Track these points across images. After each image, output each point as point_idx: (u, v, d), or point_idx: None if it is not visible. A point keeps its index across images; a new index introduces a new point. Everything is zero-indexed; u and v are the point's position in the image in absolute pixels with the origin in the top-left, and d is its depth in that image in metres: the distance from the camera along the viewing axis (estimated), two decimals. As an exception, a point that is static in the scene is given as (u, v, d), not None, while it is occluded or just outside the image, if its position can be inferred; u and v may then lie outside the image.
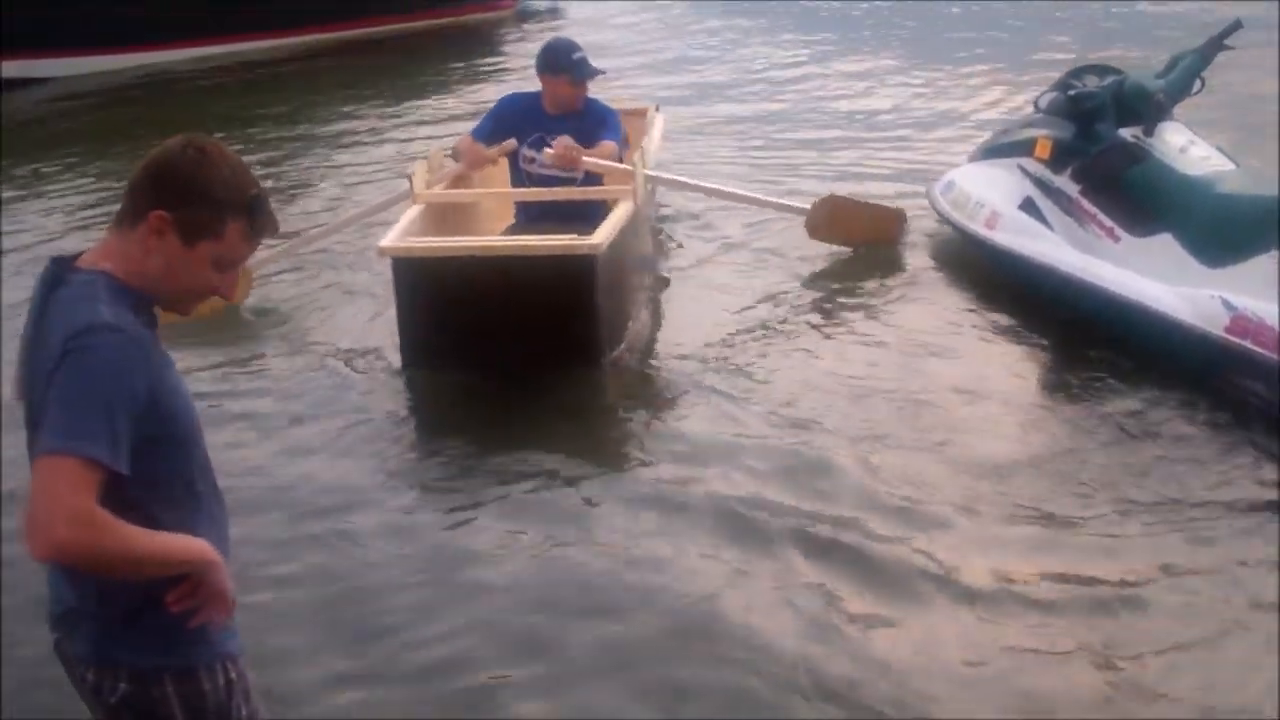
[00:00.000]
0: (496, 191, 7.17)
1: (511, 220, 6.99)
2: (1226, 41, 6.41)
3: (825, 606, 4.29)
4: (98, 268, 2.37)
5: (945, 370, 6.10)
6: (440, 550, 4.75)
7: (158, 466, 2.33)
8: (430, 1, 15.37)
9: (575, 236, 5.99)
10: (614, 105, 7.22)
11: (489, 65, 14.12)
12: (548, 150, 6.55)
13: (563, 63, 6.75)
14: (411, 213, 6.50)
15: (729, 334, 6.55)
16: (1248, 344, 5.42)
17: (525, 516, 4.94)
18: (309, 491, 5.18)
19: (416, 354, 6.09)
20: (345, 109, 12.18)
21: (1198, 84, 6.46)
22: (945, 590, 4.36)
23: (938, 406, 5.73)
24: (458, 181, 7.02)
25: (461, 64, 14.11)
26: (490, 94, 10.66)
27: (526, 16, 16.66)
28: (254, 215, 2.43)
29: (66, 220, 8.80)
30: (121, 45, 13.38)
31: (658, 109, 8.58)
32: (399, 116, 11.87)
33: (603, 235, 5.94)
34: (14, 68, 12.66)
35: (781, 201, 7.58)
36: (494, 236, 6.70)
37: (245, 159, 2.49)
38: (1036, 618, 4.20)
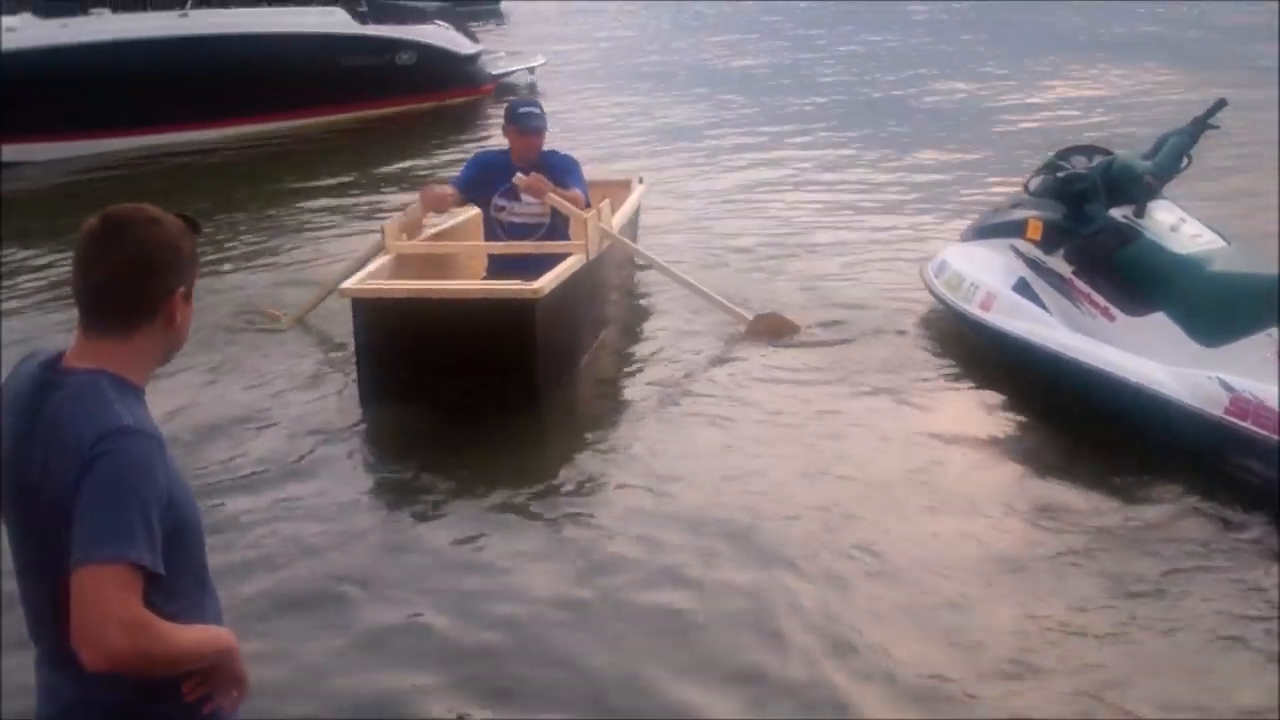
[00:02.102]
0: (462, 244, 7.60)
1: (484, 272, 7.38)
2: (1211, 121, 6.44)
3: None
4: (93, 368, 2.34)
5: (939, 447, 6.08)
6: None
7: (172, 560, 2.31)
8: (414, 87, 15.57)
9: (519, 283, 6.45)
10: (602, 176, 7.74)
11: (469, 140, 14.45)
12: (520, 176, 7.06)
13: (512, 116, 7.37)
14: (380, 260, 7.00)
15: (686, 390, 6.80)
16: (1248, 425, 5.41)
17: (451, 530, 5.40)
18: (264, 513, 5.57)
19: (373, 390, 6.52)
20: (330, 184, 12.39)
21: (1185, 161, 6.49)
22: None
23: (924, 484, 5.72)
24: (440, 234, 7.60)
25: (439, 139, 14.51)
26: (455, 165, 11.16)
27: (506, 95, 16.92)
28: (196, 233, 2.46)
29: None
30: (105, 130, 13.50)
31: (641, 180, 9.01)
32: (381, 188, 12.22)
33: (545, 283, 6.37)
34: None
35: (728, 305, 7.68)
36: (445, 281, 7.06)
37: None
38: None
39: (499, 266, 7.21)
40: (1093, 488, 5.56)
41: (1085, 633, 4.50)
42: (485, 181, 7.33)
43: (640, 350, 7.58)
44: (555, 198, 7.05)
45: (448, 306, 6.39)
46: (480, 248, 7.43)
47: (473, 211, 7.62)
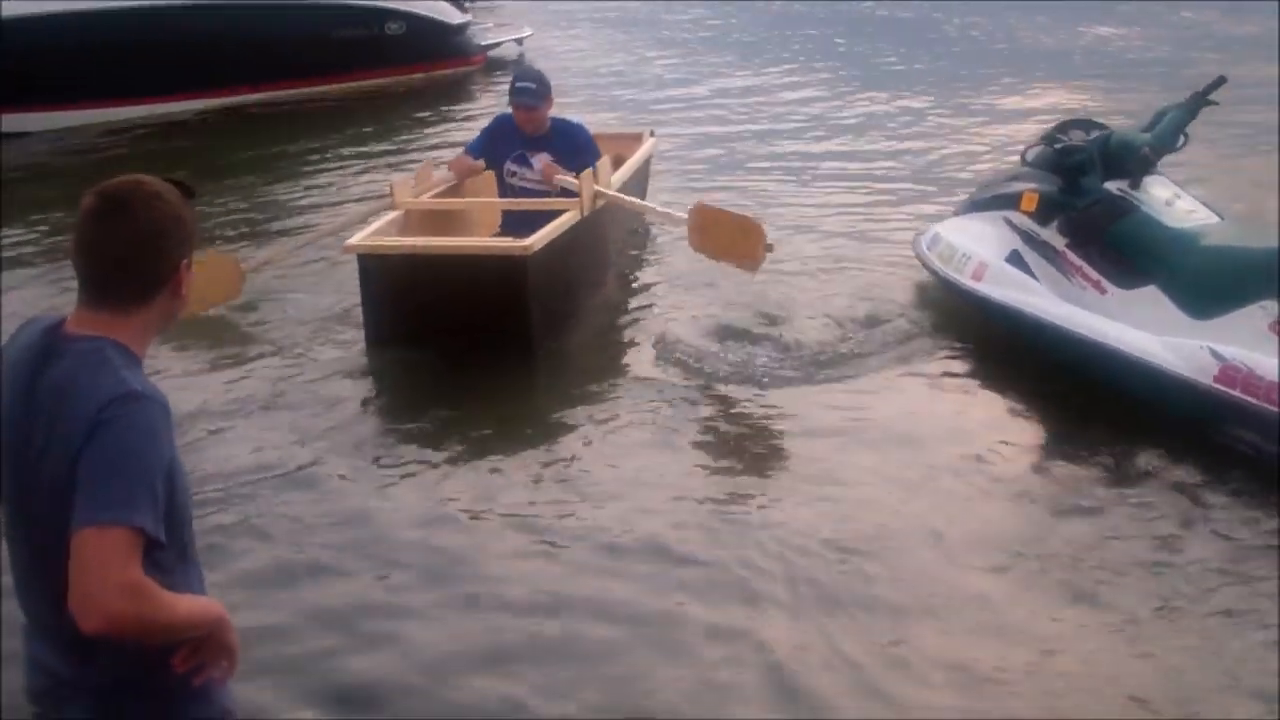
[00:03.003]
0: (470, 200, 7.89)
1: (497, 228, 7.72)
2: (1211, 97, 6.46)
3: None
4: (98, 335, 2.34)
5: (928, 419, 6.14)
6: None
7: (166, 530, 2.31)
8: (403, 58, 15.52)
9: (511, 240, 6.81)
10: (613, 130, 7.98)
11: (459, 111, 14.53)
12: (529, 175, 7.51)
13: (511, 90, 7.65)
14: (389, 216, 7.28)
15: (681, 351, 6.85)
16: (1237, 393, 5.47)
17: (449, 483, 5.61)
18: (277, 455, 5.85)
19: (377, 333, 6.90)
20: (324, 150, 12.40)
21: (1182, 139, 6.51)
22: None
23: (911, 454, 5.76)
24: (449, 191, 7.82)
25: (429, 112, 14.49)
26: (460, 135, 11.57)
27: (496, 67, 16.89)
28: (192, 200, 2.47)
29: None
30: (99, 99, 13.45)
31: (652, 133, 9.26)
32: (376, 154, 12.25)
33: (536, 239, 6.63)
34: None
35: (667, 211, 7.84)
36: (443, 237, 7.30)
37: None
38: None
39: (511, 224, 7.49)
40: (1081, 459, 5.61)
41: (1074, 621, 4.50)
42: (497, 148, 7.67)
43: (640, 305, 7.77)
44: (561, 178, 7.37)
45: (445, 261, 6.68)
46: (487, 204, 7.76)
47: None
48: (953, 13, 21.13)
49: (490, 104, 13.57)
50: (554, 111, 7.75)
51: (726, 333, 7.09)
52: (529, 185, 7.57)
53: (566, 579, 4.81)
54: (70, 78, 13.07)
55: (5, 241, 9.39)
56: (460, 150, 8.23)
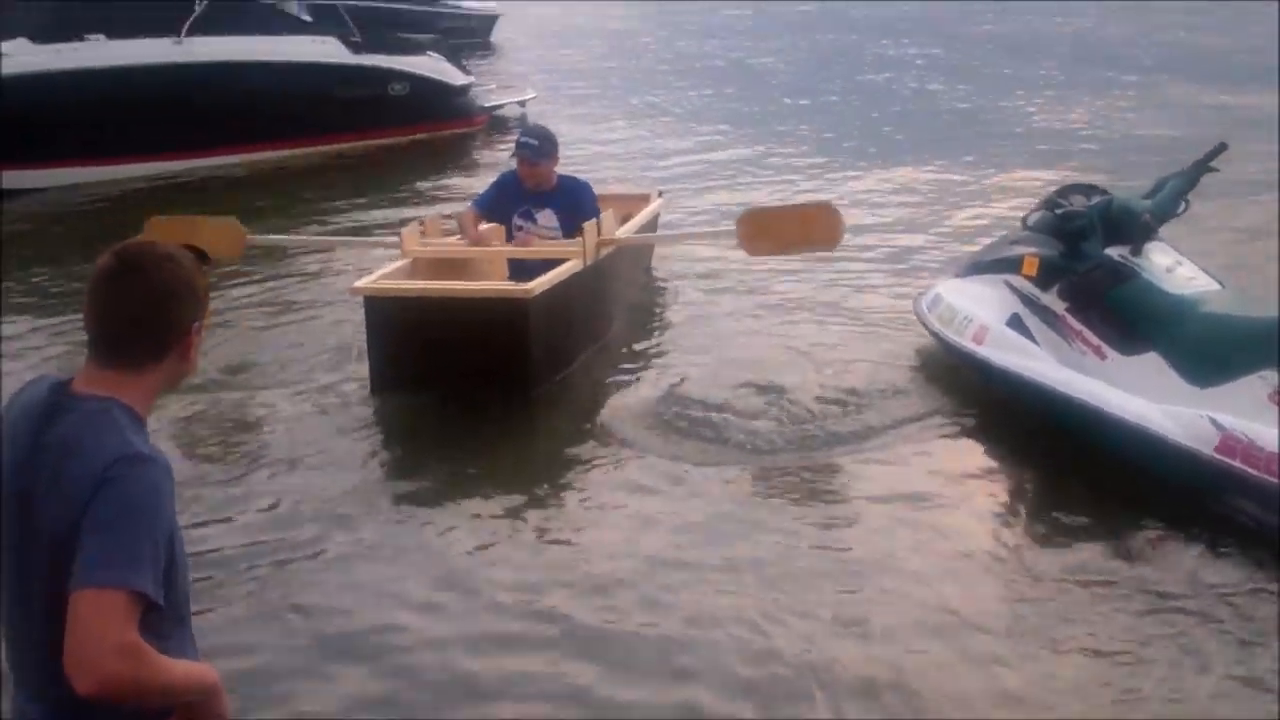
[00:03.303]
0: (476, 249, 7.86)
1: (505, 277, 7.85)
2: (1212, 164, 6.49)
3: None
4: (105, 395, 2.36)
5: (926, 480, 6.10)
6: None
7: (164, 594, 2.31)
8: (406, 118, 15.62)
9: (513, 284, 7.06)
10: (621, 190, 8.85)
11: (462, 170, 14.68)
12: (537, 231, 7.73)
13: (517, 146, 7.85)
14: (397, 263, 7.52)
15: (680, 409, 6.84)
16: (1237, 463, 5.44)
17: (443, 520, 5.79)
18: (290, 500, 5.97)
19: (382, 379, 7.04)
20: (327, 207, 12.48)
21: (1183, 204, 6.54)
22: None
23: (908, 519, 5.73)
24: (457, 241, 7.97)
25: (434, 172, 14.60)
26: (462, 191, 11.92)
27: (498, 128, 16.99)
28: (207, 267, 2.53)
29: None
30: (101, 157, 13.50)
31: (660, 194, 9.49)
32: (379, 208, 12.36)
33: (538, 284, 6.88)
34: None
35: (709, 230, 8.24)
36: (448, 281, 7.43)
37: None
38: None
39: (517, 274, 7.66)
40: (1082, 530, 5.57)
41: (1080, 680, 4.48)
42: (504, 202, 7.88)
43: (643, 355, 7.92)
44: (539, 248, 7.58)
45: (448, 304, 6.88)
46: (492, 252, 7.87)
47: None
48: (954, 83, 21.31)
49: (492, 161, 13.66)
50: (560, 169, 7.93)
51: (726, 392, 7.07)
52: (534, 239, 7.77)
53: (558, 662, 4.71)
54: (73, 135, 13.13)
55: (7, 295, 9.41)
56: (468, 204, 8.35)
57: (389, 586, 5.16)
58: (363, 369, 7.22)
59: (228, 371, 7.51)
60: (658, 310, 8.86)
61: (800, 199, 11.58)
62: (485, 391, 6.80)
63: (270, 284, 9.56)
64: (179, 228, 7.59)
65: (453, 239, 7.97)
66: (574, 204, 7.69)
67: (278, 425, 6.79)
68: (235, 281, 9.44)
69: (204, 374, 7.09)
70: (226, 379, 7.40)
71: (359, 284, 7.19)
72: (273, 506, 5.90)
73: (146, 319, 2.39)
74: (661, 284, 9.19)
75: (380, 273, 7.36)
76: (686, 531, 5.61)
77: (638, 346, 8.08)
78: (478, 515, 5.81)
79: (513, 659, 4.64)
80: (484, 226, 7.91)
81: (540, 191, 7.76)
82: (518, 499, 5.95)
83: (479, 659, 4.65)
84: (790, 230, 7.41)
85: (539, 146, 7.73)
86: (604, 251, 7.61)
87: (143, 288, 2.38)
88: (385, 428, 6.82)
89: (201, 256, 2.56)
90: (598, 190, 8.13)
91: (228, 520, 5.72)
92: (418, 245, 7.69)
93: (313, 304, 8.95)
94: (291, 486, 6.08)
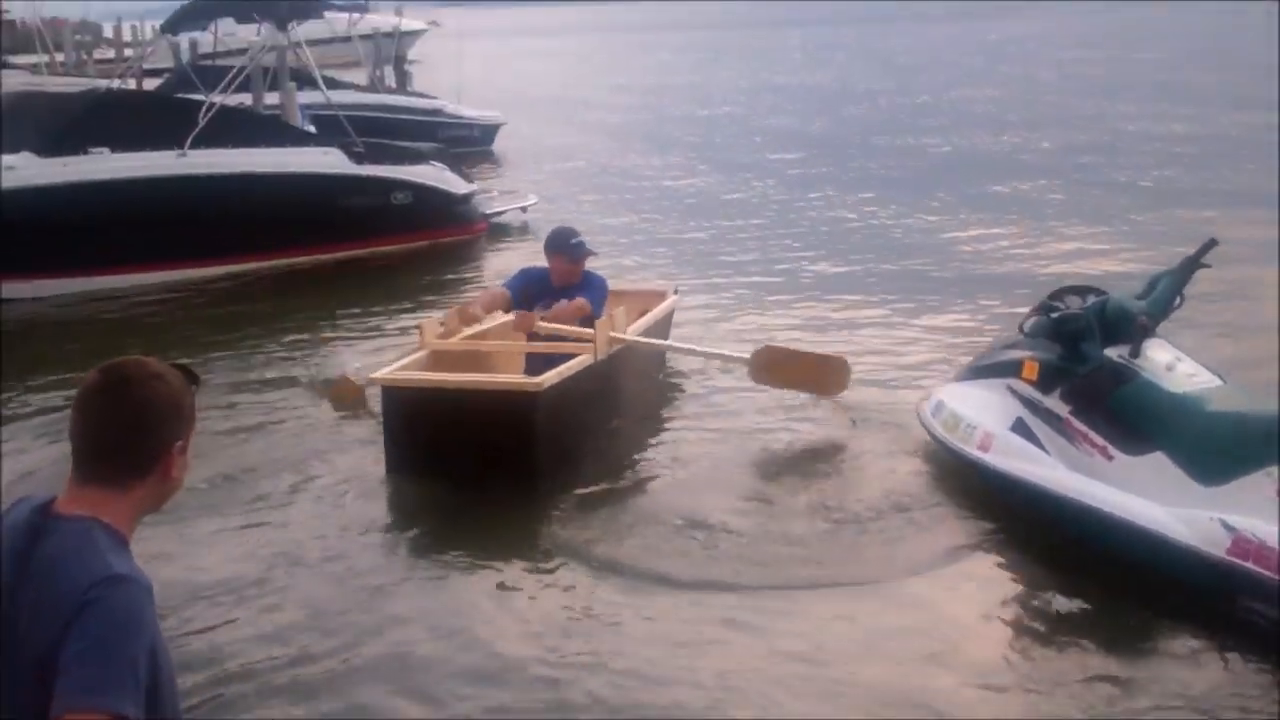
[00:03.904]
0: (492, 343, 8.26)
1: (521, 372, 7.99)
2: (1203, 260, 6.52)
3: None
4: (85, 515, 2.35)
5: (933, 595, 6.06)
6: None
7: (150, 711, 2.28)
8: (409, 226, 15.69)
9: (522, 378, 7.41)
10: (636, 287, 9.66)
11: (464, 277, 14.67)
12: (537, 314, 7.92)
13: (560, 245, 8.23)
14: (416, 355, 7.86)
15: (680, 519, 6.85)
16: (1250, 566, 5.41)
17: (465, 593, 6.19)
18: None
19: (397, 464, 7.40)
20: (330, 318, 12.47)
21: (1178, 300, 6.56)
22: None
23: (920, 635, 5.67)
24: (476, 335, 8.30)
25: (430, 277, 14.67)
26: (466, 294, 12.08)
27: (499, 234, 17.08)
28: (195, 386, 2.49)
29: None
30: (104, 267, 13.57)
31: (676, 291, 9.87)
32: (382, 320, 12.26)
33: (547, 378, 7.17)
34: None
35: (725, 353, 8.82)
36: (459, 374, 7.63)
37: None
38: None
39: (534, 368, 7.81)
40: (1095, 635, 5.53)
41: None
42: (529, 295, 8.16)
43: (649, 449, 8.06)
44: (556, 327, 7.81)
45: (460, 396, 7.19)
46: (508, 346, 8.18)
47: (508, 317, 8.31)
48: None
49: (501, 266, 13.70)
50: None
51: (732, 498, 7.14)
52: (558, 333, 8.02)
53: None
54: (74, 247, 13.17)
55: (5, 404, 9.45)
56: (497, 287, 8.64)
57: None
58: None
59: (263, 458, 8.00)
60: (669, 405, 9.01)
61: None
62: (494, 480, 7.02)
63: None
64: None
65: (472, 329, 8.27)
66: (593, 298, 8.03)
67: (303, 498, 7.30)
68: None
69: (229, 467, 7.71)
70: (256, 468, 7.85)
71: (376, 374, 7.61)
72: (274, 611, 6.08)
73: (127, 435, 2.39)
74: (676, 379, 9.46)
75: (399, 364, 7.73)
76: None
77: (650, 441, 8.21)
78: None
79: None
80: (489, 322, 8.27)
81: (567, 285, 8.11)
82: (511, 593, 6.18)
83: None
84: (802, 374, 8.01)
85: (584, 245, 8.25)
86: (615, 348, 7.88)
87: (127, 404, 2.39)
88: (395, 507, 7.23)
89: (191, 377, 2.51)
90: (612, 285, 8.57)
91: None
92: (436, 339, 7.96)
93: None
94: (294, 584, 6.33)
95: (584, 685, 5.27)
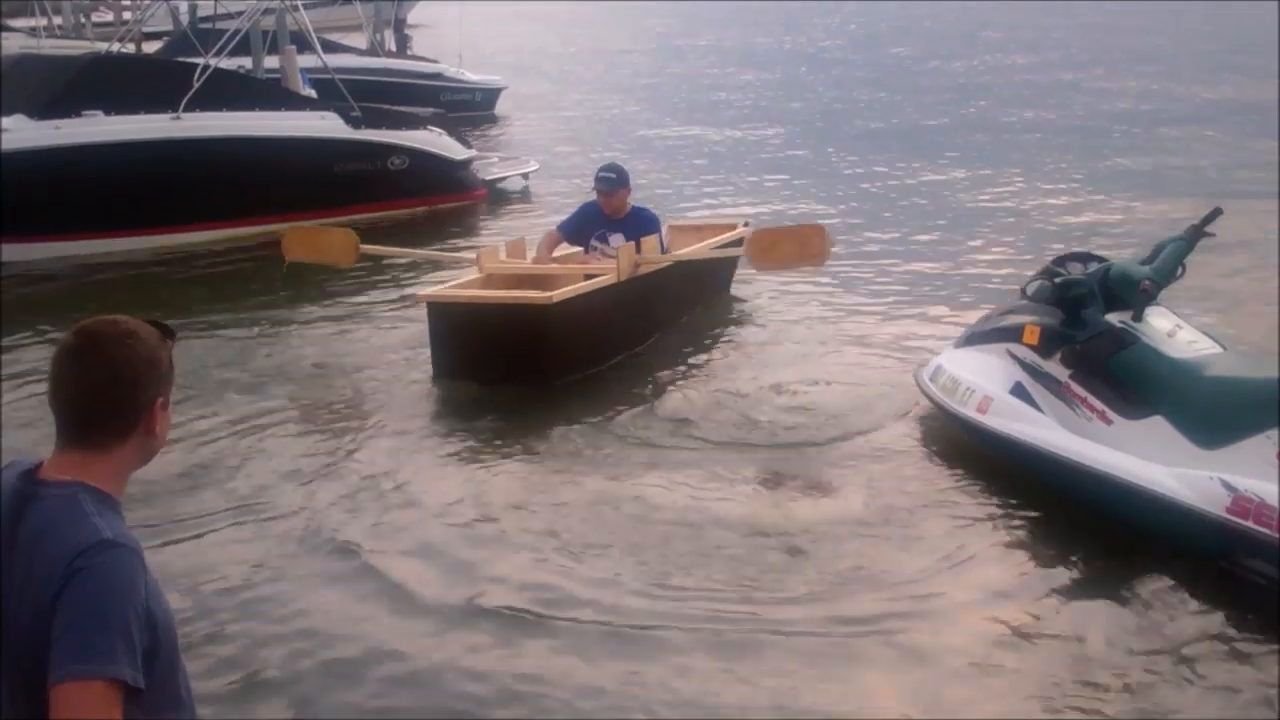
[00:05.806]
0: (542, 267, 9.23)
1: None
2: (1207, 229, 6.48)
3: None
4: (72, 479, 2.34)
5: (936, 547, 6.07)
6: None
7: (150, 675, 2.28)
8: (406, 191, 15.62)
9: (539, 292, 8.42)
10: (709, 220, 11.44)
11: (464, 242, 14.47)
12: (606, 250, 9.19)
13: (596, 180, 9.49)
14: (467, 276, 9.15)
15: (696, 417, 7.80)
16: (1250, 524, 5.43)
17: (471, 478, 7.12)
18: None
19: (439, 368, 8.66)
20: (328, 283, 12.19)
21: (1181, 269, 6.51)
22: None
23: (919, 590, 5.70)
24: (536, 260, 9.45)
25: (438, 242, 14.44)
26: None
27: (500, 200, 16.98)
28: (171, 341, 2.47)
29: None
30: (99, 231, 13.51)
31: (746, 223, 10.83)
32: (376, 286, 12.20)
33: (560, 293, 8.29)
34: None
35: (724, 248, 9.90)
36: (491, 290, 8.86)
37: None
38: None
39: None
40: (1096, 595, 5.53)
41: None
42: (583, 228, 9.47)
43: (674, 368, 8.86)
44: (586, 265, 9.07)
45: (488, 309, 8.48)
46: (555, 270, 9.11)
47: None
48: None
49: (499, 231, 13.63)
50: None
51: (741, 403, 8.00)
52: (609, 256, 9.00)
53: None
54: (71, 210, 13.14)
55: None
56: (552, 230, 9.66)
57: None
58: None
59: (318, 365, 9.23)
60: (717, 327, 9.88)
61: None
62: (517, 379, 8.20)
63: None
64: (305, 236, 9.81)
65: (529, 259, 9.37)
66: (642, 231, 9.06)
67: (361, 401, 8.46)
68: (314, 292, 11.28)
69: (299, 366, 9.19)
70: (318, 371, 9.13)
71: (424, 292, 8.96)
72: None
73: (105, 396, 2.37)
74: (738, 304, 10.46)
75: (453, 282, 9.06)
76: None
77: (677, 356, 9.09)
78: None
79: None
80: (558, 252, 9.37)
81: (616, 218, 9.29)
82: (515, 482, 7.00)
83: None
84: (793, 249, 8.51)
85: (615, 178, 9.37)
86: (642, 269, 8.86)
87: (101, 365, 2.36)
88: (437, 400, 8.36)
89: (166, 332, 2.48)
90: (691, 219, 9.77)
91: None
92: (494, 264, 9.10)
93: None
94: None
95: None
